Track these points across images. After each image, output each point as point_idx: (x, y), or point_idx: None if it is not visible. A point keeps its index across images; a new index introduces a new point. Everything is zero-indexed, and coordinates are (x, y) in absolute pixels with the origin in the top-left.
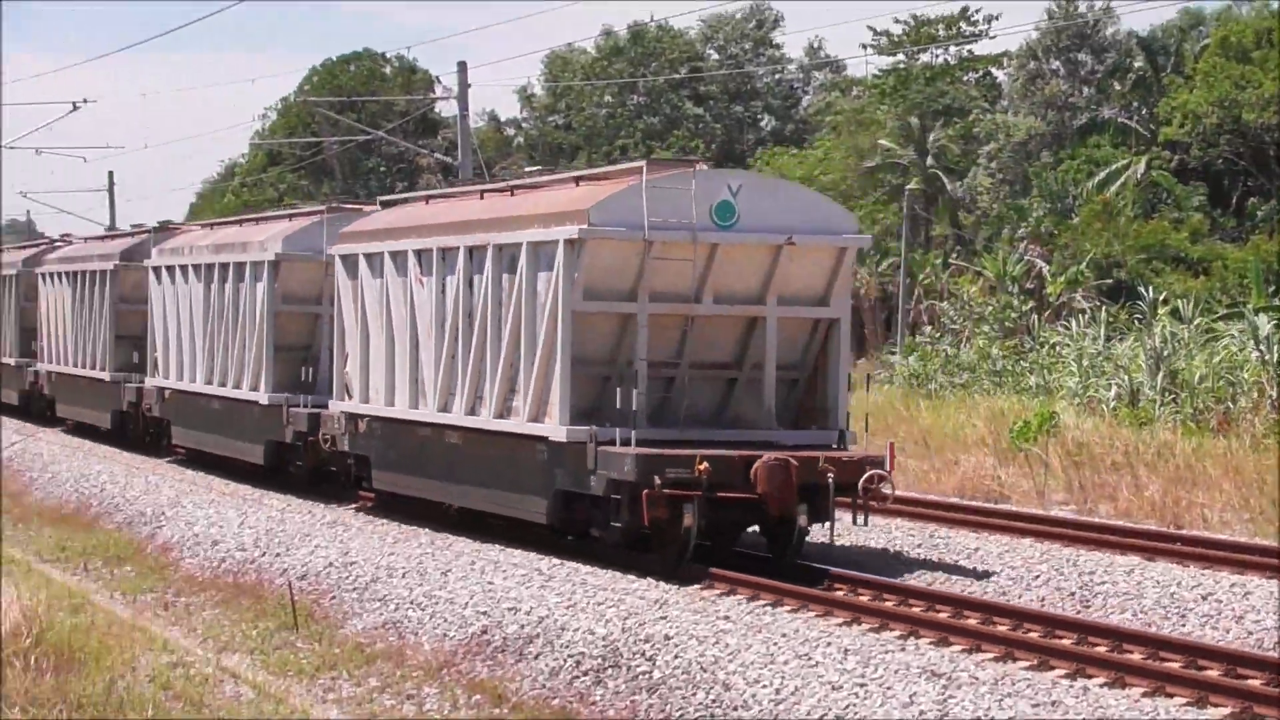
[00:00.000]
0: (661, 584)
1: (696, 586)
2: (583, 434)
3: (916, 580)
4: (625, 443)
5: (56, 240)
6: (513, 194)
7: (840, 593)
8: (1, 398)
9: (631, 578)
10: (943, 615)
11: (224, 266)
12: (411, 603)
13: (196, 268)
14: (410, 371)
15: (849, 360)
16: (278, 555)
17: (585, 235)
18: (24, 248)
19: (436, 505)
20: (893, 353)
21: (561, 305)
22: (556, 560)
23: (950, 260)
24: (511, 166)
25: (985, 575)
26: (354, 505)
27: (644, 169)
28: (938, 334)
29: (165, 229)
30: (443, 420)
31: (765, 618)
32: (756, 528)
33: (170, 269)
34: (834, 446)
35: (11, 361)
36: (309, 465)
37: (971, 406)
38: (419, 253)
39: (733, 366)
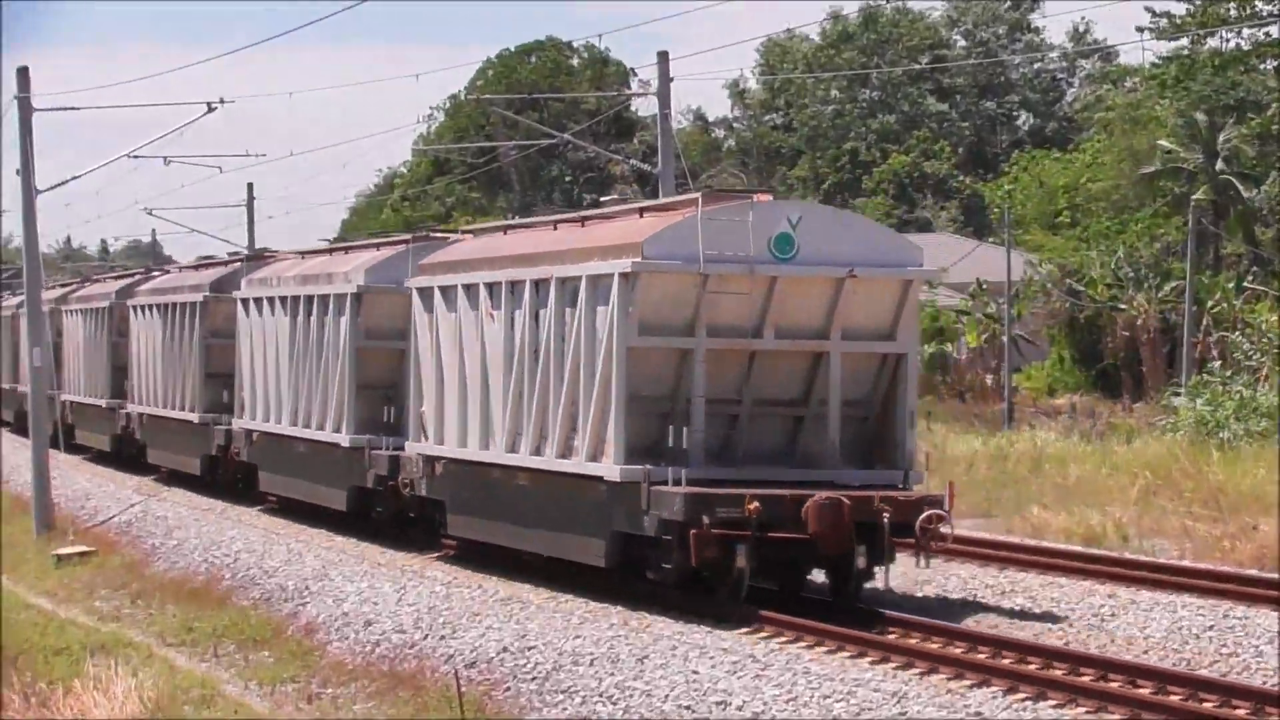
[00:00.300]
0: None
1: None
2: (637, 473)
3: (979, 626)
4: (677, 482)
5: (154, 269)
6: (584, 225)
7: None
8: (93, 443)
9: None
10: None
11: (309, 299)
12: (601, 695)
13: (283, 300)
14: (481, 410)
15: (915, 397)
16: (441, 638)
17: (639, 269)
18: (120, 277)
19: (532, 555)
20: (1176, 394)
21: (616, 340)
22: (775, 645)
23: (1245, 284)
24: (720, 175)
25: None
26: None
27: (699, 200)
28: (1229, 372)
29: (259, 257)
30: (511, 461)
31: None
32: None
33: (258, 301)
34: (899, 486)
35: (103, 403)
36: (391, 510)
37: (1272, 460)
38: (490, 286)
39: (799, 403)
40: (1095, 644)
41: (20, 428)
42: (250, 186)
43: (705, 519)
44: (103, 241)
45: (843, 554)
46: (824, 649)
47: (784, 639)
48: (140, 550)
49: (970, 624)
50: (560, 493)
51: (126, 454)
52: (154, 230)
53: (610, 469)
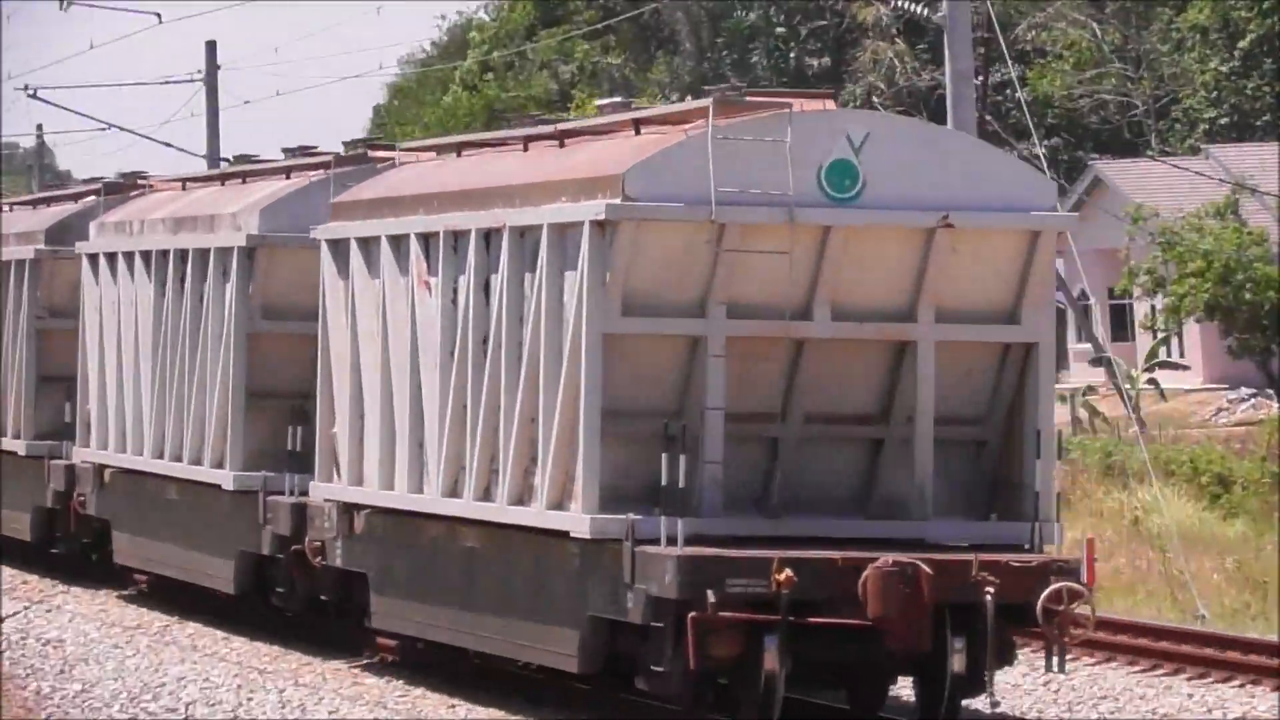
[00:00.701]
0: None
1: None
2: (616, 526)
3: None
4: (671, 540)
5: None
6: (562, 144)
7: None
8: None
9: None
10: None
11: (181, 256)
12: None
13: (146, 256)
14: (412, 432)
15: (1052, 409)
16: None
17: (618, 215)
18: None
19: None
20: None
21: (587, 323)
22: None
23: None
24: None
25: None
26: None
27: (710, 110)
28: None
29: (123, 188)
30: (451, 510)
31: None
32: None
33: (112, 258)
34: (1024, 547)
35: None
36: (301, 592)
37: None
38: (424, 239)
39: (875, 421)
40: None
41: None
42: (211, 46)
43: (711, 596)
44: None
45: (925, 651)
46: None
47: None
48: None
49: None
50: (519, 558)
51: None
52: (40, 127)
53: (578, 520)
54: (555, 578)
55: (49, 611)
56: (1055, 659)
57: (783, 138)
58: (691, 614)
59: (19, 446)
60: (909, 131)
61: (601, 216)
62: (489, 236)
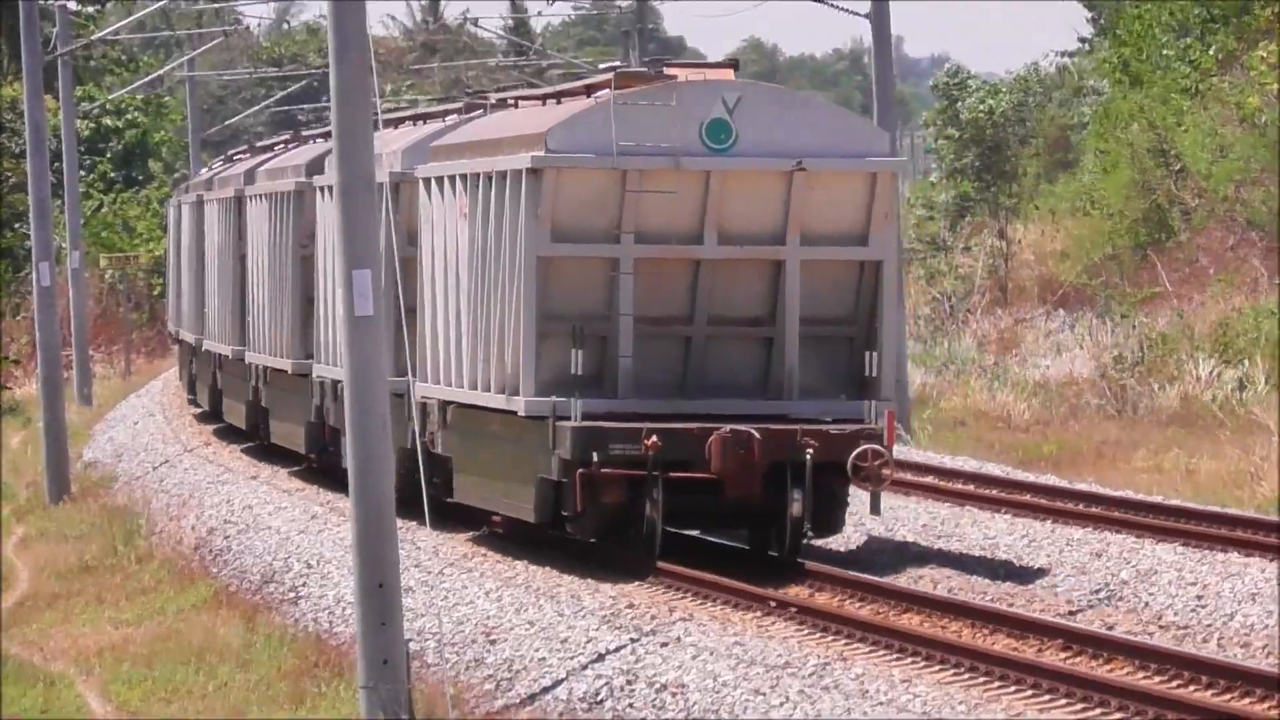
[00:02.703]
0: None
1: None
2: (544, 406)
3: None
4: (577, 415)
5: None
6: (517, 105)
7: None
8: (226, 415)
9: None
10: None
11: (476, 179)
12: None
13: (456, 180)
14: (455, 336)
15: (895, 313)
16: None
17: (541, 164)
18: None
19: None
20: None
21: (524, 248)
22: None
23: None
24: None
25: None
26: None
27: (612, 81)
28: None
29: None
30: (466, 399)
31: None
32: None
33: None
34: (867, 421)
35: (227, 350)
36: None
37: None
38: (459, 179)
39: (765, 323)
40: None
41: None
42: None
43: (595, 456)
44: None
45: (756, 498)
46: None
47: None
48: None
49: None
50: (508, 435)
51: (251, 426)
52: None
53: (518, 403)
54: (521, 449)
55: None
56: (871, 503)
57: (670, 102)
58: (580, 470)
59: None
60: (773, 96)
61: (529, 165)
62: (480, 179)
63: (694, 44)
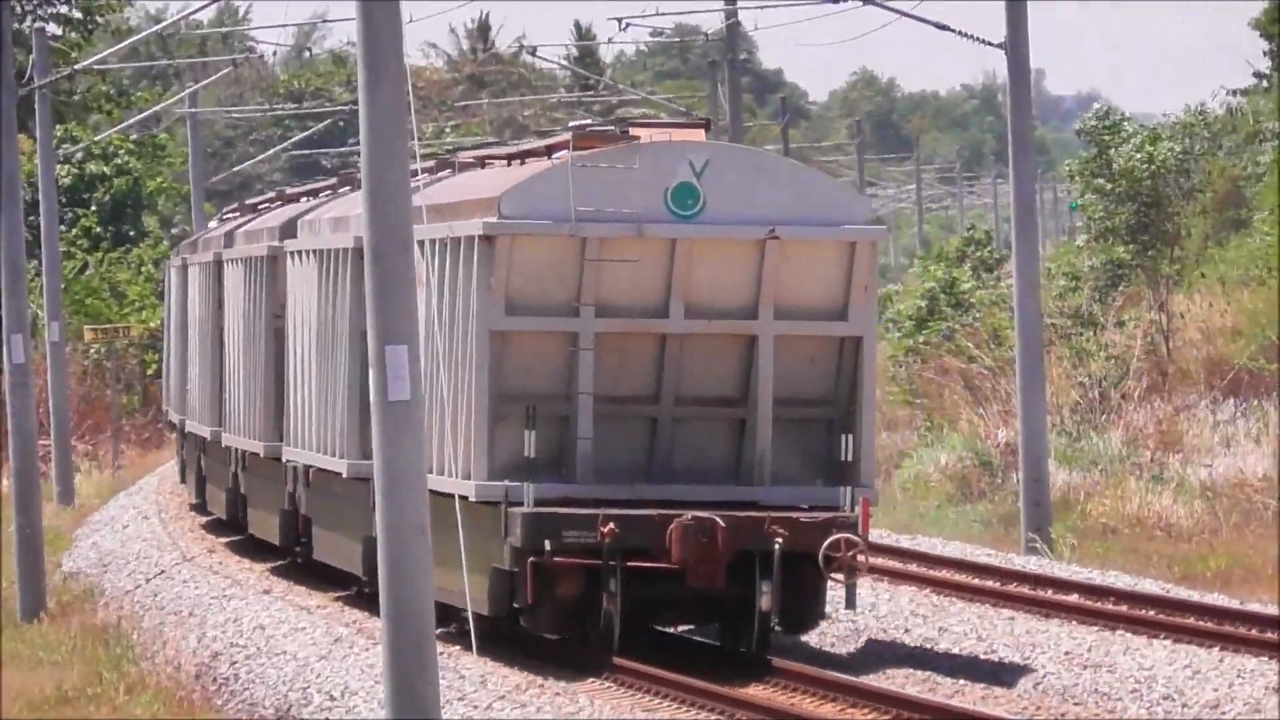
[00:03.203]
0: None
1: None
2: (496, 491)
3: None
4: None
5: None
6: (484, 167)
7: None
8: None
9: None
10: None
11: (432, 245)
12: None
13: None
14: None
15: (872, 392)
16: None
17: (494, 230)
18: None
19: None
20: None
21: (476, 321)
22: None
23: None
24: None
25: None
26: None
27: (570, 142)
28: None
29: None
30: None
31: None
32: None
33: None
34: (842, 509)
35: (206, 432)
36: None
37: None
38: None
39: (737, 403)
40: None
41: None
42: None
43: (549, 544)
44: None
45: (719, 589)
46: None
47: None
48: None
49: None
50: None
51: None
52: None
53: (469, 487)
54: (473, 534)
55: None
56: (846, 597)
57: (632, 164)
58: (530, 559)
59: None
60: (744, 158)
61: (482, 232)
62: (436, 245)
63: (793, 78)
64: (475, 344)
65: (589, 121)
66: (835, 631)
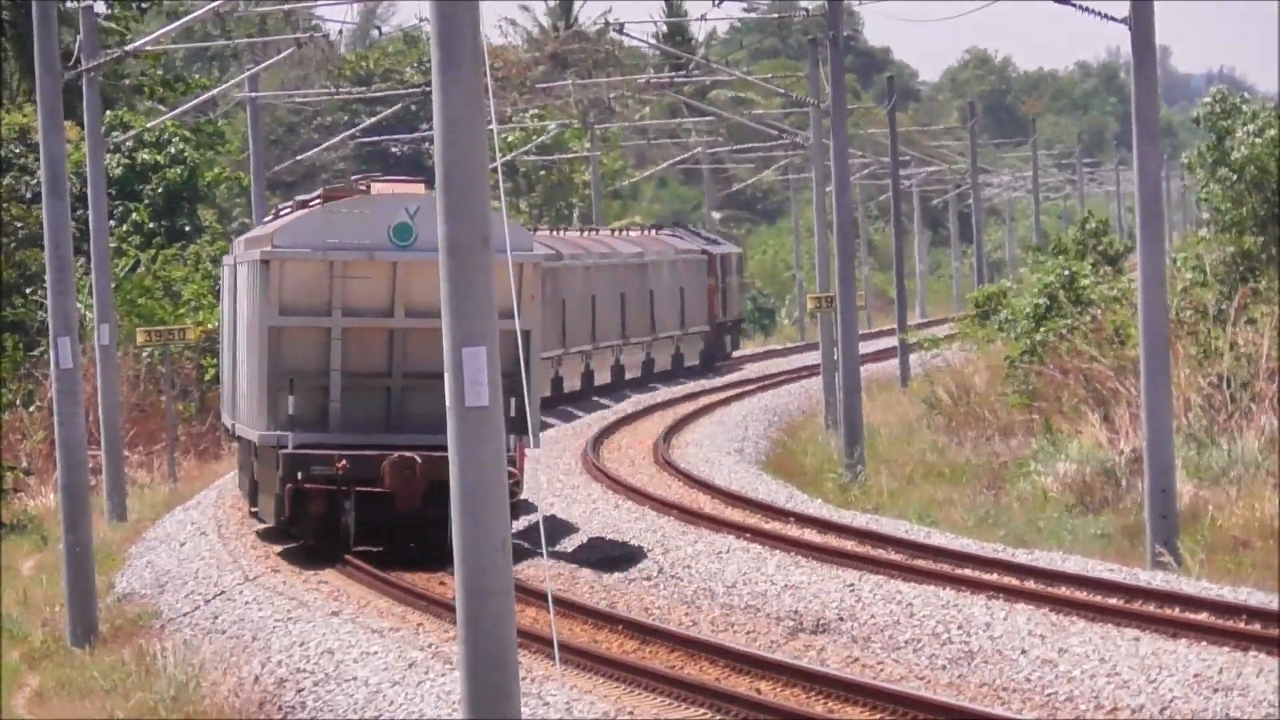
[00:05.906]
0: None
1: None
2: (270, 439)
3: None
4: (286, 445)
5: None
6: (277, 215)
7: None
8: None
9: None
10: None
11: (245, 266)
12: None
13: (238, 266)
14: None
15: (533, 372)
16: None
17: (269, 256)
18: None
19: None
20: None
21: (259, 320)
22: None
23: None
24: None
25: None
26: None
27: (322, 196)
28: None
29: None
30: (247, 434)
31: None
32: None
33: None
34: (509, 451)
35: (254, 435)
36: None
37: None
38: (243, 265)
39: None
40: None
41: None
42: None
43: (300, 476)
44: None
45: (418, 509)
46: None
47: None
48: None
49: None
50: (267, 461)
51: None
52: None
53: (255, 435)
54: (264, 469)
55: None
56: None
57: (367, 210)
58: (289, 485)
59: None
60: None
61: (259, 258)
62: (244, 267)
63: (901, 56)
64: (259, 336)
65: (341, 184)
66: (947, 654)
